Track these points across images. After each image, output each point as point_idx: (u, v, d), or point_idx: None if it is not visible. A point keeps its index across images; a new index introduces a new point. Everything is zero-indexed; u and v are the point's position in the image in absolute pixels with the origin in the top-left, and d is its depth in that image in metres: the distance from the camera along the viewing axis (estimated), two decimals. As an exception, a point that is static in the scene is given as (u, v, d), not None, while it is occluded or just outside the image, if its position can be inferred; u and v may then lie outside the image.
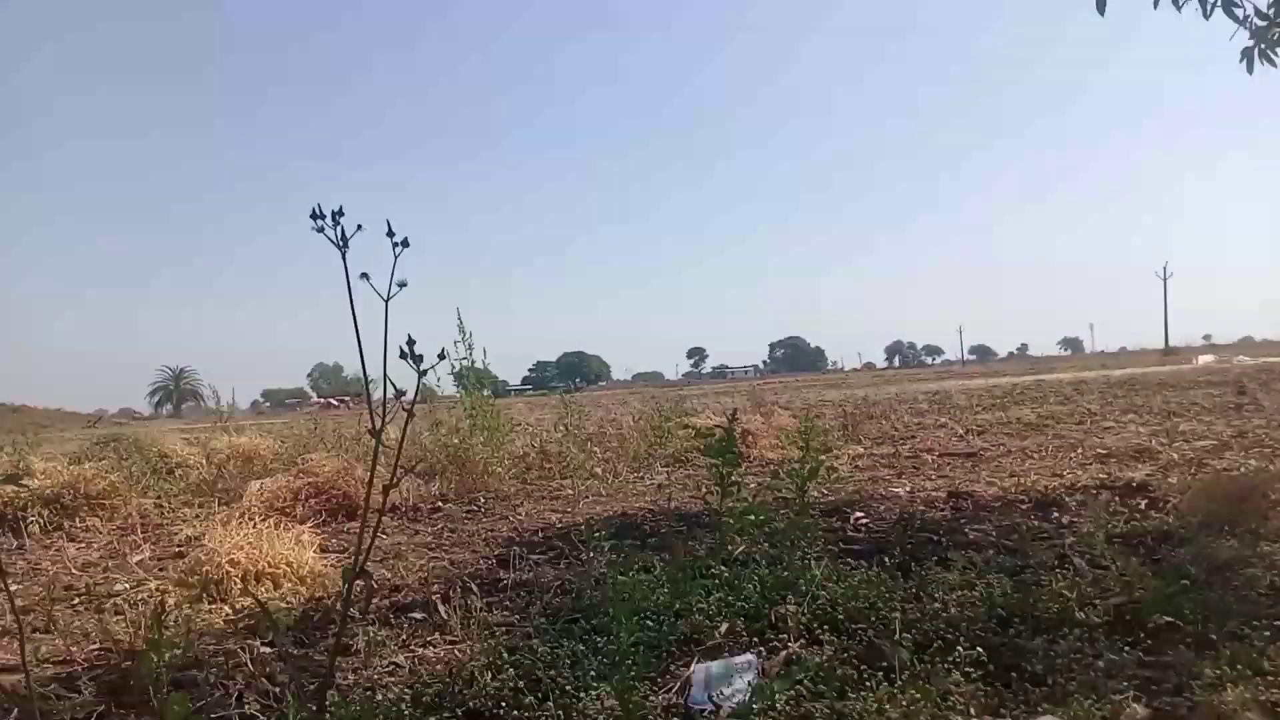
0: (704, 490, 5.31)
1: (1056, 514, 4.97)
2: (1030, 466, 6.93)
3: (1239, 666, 2.36)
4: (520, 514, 6.34)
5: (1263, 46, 4.23)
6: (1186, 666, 2.44)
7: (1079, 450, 7.69)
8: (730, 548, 3.99)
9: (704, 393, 32.85)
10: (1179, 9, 4.16)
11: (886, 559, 3.96)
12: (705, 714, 2.41)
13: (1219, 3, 4.09)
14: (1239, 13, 4.18)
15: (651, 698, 2.55)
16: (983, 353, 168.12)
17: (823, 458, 3.82)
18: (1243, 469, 6.01)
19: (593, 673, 2.68)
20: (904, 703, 2.22)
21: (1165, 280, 76.07)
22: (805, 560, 3.59)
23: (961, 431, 10.14)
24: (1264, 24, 4.15)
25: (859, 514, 5.27)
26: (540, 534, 5.44)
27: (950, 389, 23.20)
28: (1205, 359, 39.16)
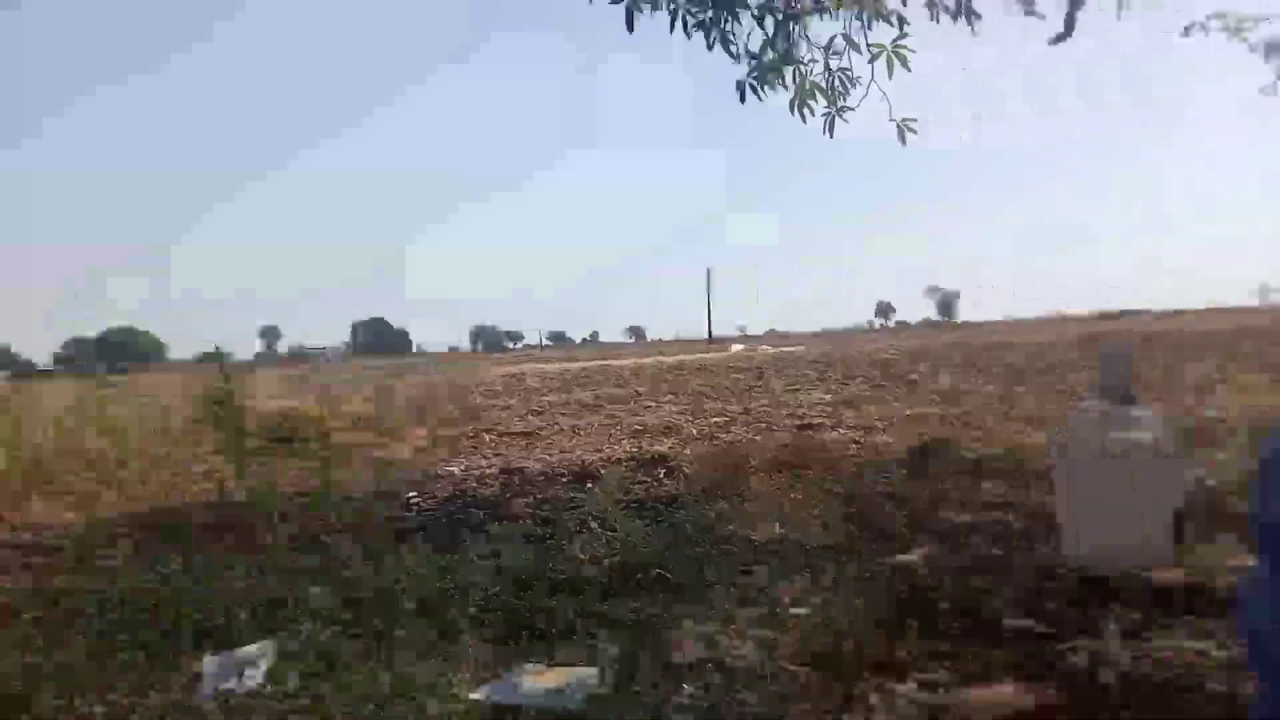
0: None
1: (590, 485, 5.50)
2: (577, 443, 7.55)
3: (701, 607, 2.84)
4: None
5: (753, 81, 5.13)
6: (666, 612, 2.85)
7: (620, 427, 8.55)
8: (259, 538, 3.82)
9: (280, 377, 30.75)
10: (689, 37, 4.83)
11: (429, 536, 4.09)
12: (215, 704, 2.31)
13: (717, 39, 4.85)
14: (733, 49, 5.01)
15: (152, 696, 2.38)
16: (559, 338, 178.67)
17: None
18: (741, 441, 7.13)
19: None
20: (411, 669, 2.32)
21: (709, 283, 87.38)
22: (336, 542, 3.57)
23: (524, 412, 10.72)
24: (754, 60, 5.01)
25: (412, 494, 5.36)
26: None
27: (526, 372, 24.31)
28: (737, 348, 45.41)
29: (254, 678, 2.39)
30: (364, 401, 11.44)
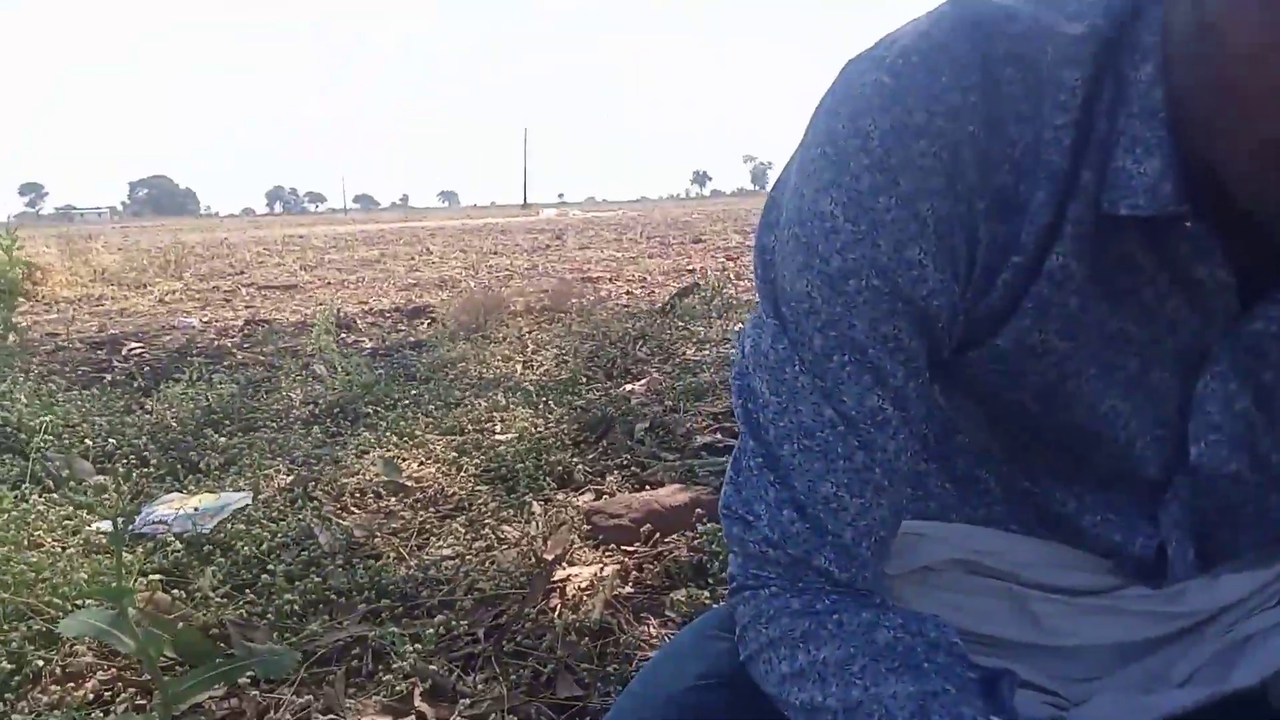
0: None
1: (344, 334, 5.24)
2: (343, 295, 7.18)
3: (391, 434, 2.74)
4: None
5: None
6: (352, 441, 2.73)
7: (393, 281, 8.21)
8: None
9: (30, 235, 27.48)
10: None
11: (137, 382, 3.74)
12: None
13: None
14: None
15: None
16: (366, 201, 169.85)
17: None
18: (511, 291, 7.00)
19: None
20: (46, 506, 2.09)
21: (525, 143, 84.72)
22: (4, 386, 3.19)
23: (295, 268, 10.09)
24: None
25: (135, 344, 4.91)
26: None
27: (316, 234, 22.94)
28: (549, 213, 44.83)
29: None
30: (116, 256, 10.36)
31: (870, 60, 0.57)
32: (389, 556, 1.90)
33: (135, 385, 3.66)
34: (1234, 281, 0.56)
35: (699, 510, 1.97)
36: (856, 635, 0.60)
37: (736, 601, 0.67)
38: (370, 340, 4.93)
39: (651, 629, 1.54)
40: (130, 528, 1.96)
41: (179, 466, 2.51)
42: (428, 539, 2.00)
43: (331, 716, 1.32)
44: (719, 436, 2.67)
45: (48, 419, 2.78)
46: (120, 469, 2.48)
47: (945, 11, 0.57)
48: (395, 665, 1.41)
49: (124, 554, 1.78)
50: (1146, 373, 0.62)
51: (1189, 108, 0.50)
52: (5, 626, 1.46)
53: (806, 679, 0.60)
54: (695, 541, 1.86)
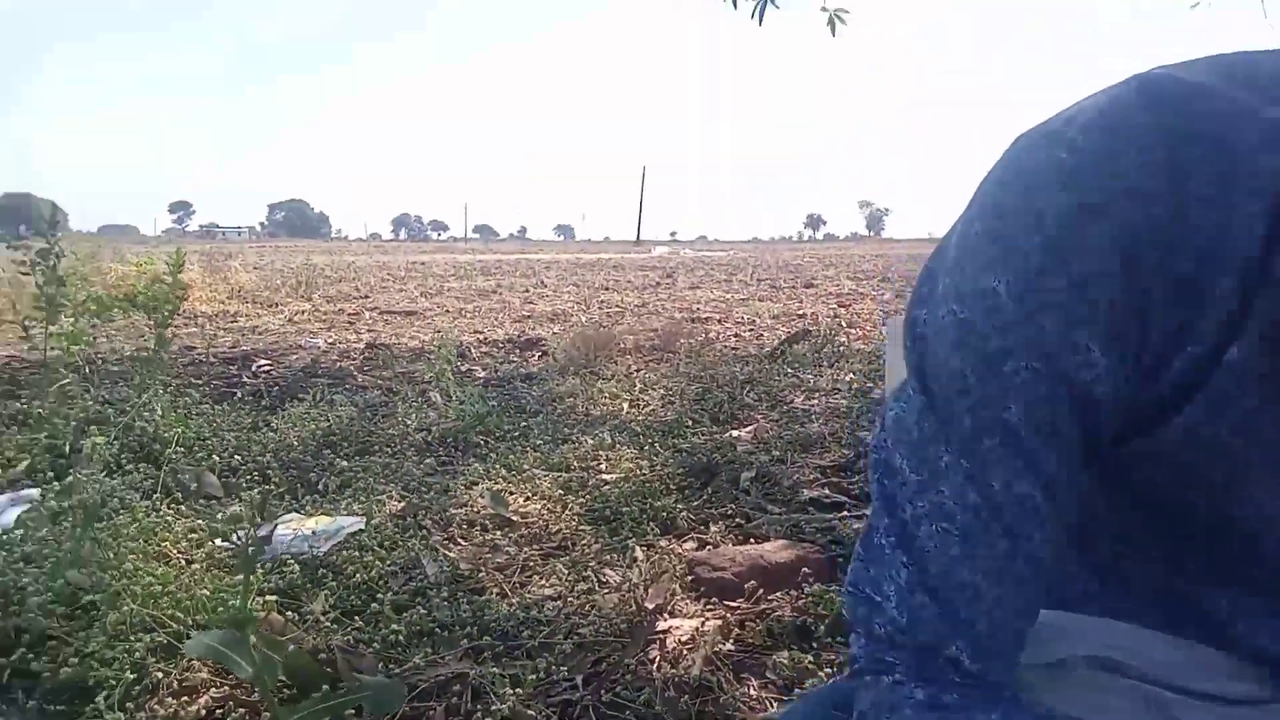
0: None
1: (459, 362, 5.38)
2: (459, 324, 7.38)
3: (499, 466, 2.78)
4: None
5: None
6: (464, 472, 2.78)
7: (508, 312, 8.40)
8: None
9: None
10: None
11: (264, 400, 3.93)
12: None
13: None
14: None
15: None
16: (486, 232, 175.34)
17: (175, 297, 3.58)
18: (622, 328, 7.07)
19: None
20: (175, 518, 2.20)
21: (642, 182, 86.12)
22: (146, 397, 3.39)
23: (416, 295, 10.45)
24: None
25: (264, 362, 5.16)
26: None
27: (437, 261, 23.77)
28: (661, 250, 45.28)
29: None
30: (251, 275, 10.97)
31: (1045, 135, 0.55)
32: (492, 592, 1.91)
33: (262, 403, 3.84)
34: None
35: (805, 569, 1.91)
36: None
37: (857, 685, 0.64)
38: (483, 370, 5.05)
39: (752, 690, 1.50)
40: (257, 552, 2.04)
41: (299, 486, 2.61)
42: (530, 576, 2.01)
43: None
44: (826, 491, 2.61)
45: (180, 430, 2.94)
46: (243, 484, 2.60)
47: (1130, 87, 0.54)
48: (494, 707, 1.41)
49: (244, 574, 1.86)
50: None
51: None
52: (131, 637, 1.53)
53: None
54: (800, 602, 1.81)
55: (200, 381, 4.30)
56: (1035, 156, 0.54)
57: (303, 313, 8.13)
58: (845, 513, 2.42)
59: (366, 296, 10.04)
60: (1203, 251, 0.52)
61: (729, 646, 1.66)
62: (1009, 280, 0.54)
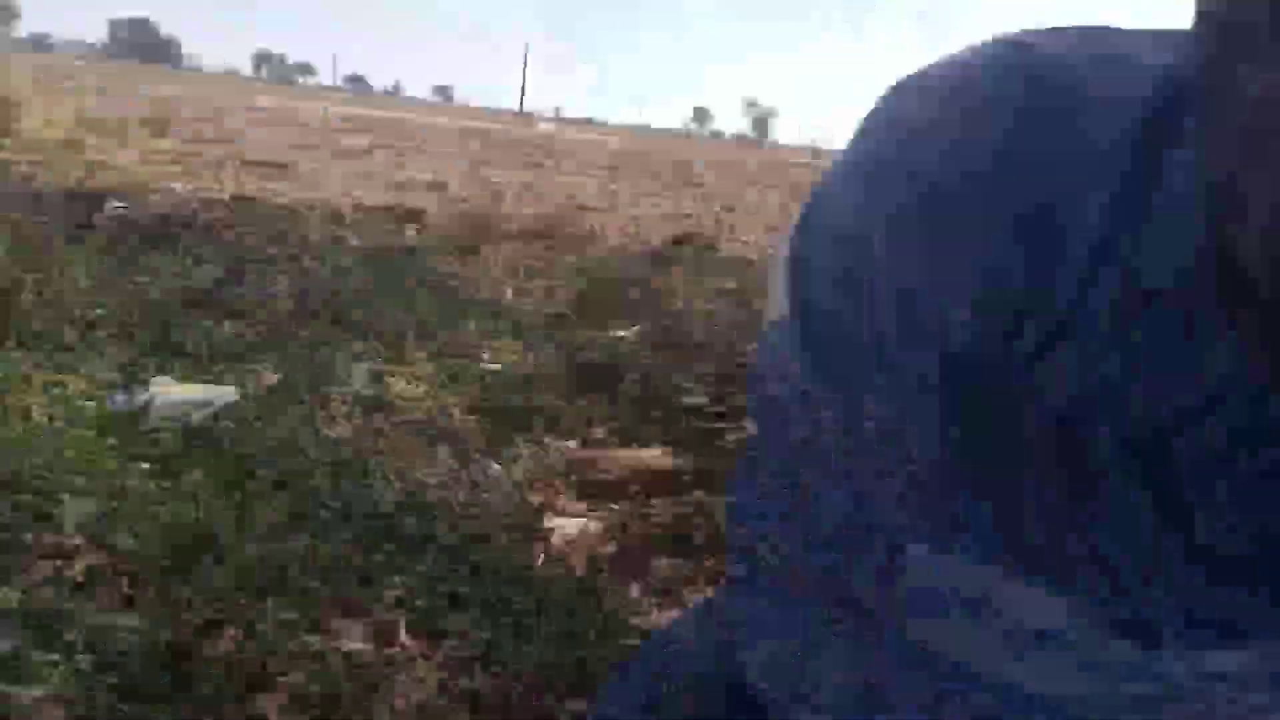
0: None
1: (334, 226, 5.15)
2: (333, 184, 7.03)
3: (379, 345, 2.73)
4: None
5: None
6: (340, 346, 2.72)
7: (384, 176, 8.05)
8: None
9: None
10: None
11: (120, 248, 3.66)
12: None
13: None
14: None
15: None
16: (358, 83, 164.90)
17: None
18: (508, 211, 6.91)
19: None
20: (31, 371, 2.06)
21: (525, 60, 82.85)
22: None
23: (285, 145, 9.83)
24: None
25: (118, 203, 4.78)
26: None
27: (306, 109, 22.33)
28: (545, 127, 44.03)
29: None
30: (97, 101, 10.01)
31: (907, 91, 0.57)
32: (375, 476, 1.90)
33: (118, 251, 3.57)
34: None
35: (685, 477, 2.00)
36: (850, 653, 0.61)
37: (731, 600, 0.68)
38: (358, 239, 4.86)
39: (634, 593, 1.58)
40: (113, 408, 1.95)
41: (163, 347, 2.47)
42: (413, 462, 2.01)
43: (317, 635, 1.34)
44: (706, 400, 2.69)
45: (27, 275, 2.72)
46: (104, 338, 2.44)
47: (991, 53, 0.54)
48: (383, 594, 1.43)
49: (113, 437, 1.78)
50: None
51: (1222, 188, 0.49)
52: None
53: (796, 689, 0.62)
54: (678, 510, 1.89)
55: (44, 219, 3.95)
56: (899, 114, 0.56)
57: (160, 153, 7.52)
58: (724, 423, 2.52)
59: (231, 141, 9.36)
60: (1055, 222, 0.54)
61: (610, 549, 1.73)
62: (882, 227, 0.56)
